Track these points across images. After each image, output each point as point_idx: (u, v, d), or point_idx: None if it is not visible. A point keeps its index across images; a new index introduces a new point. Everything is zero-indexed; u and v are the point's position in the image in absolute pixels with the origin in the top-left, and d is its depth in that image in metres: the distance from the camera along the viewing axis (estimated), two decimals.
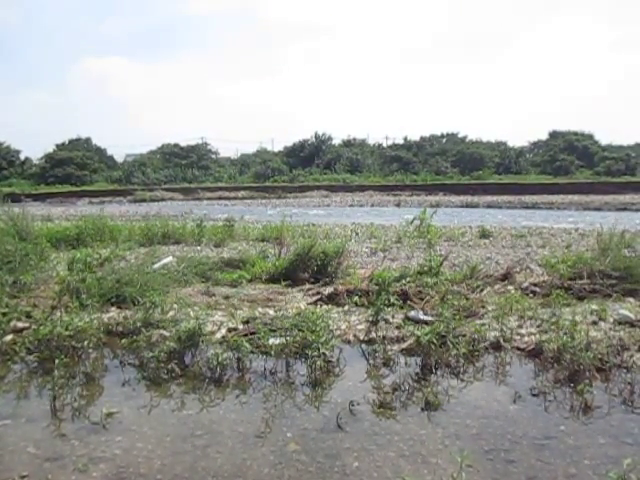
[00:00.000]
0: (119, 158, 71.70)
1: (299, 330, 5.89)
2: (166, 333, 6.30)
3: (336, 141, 79.15)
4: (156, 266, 9.36)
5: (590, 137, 70.87)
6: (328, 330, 6.04)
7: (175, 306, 7.20)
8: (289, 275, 9.25)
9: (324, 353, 5.49)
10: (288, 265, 9.44)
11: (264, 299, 8.18)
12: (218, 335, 6.37)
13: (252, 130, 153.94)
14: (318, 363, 5.39)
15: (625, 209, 35.67)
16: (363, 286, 7.94)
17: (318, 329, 5.83)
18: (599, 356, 5.40)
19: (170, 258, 10.29)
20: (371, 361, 5.91)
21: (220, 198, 50.62)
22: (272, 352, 5.73)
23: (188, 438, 4.27)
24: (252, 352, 5.73)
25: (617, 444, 4.08)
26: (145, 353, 5.70)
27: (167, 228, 14.69)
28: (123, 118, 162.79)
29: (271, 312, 7.24)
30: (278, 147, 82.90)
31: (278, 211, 33.33)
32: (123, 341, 6.06)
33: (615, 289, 8.10)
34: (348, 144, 79.30)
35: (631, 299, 7.91)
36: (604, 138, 75.95)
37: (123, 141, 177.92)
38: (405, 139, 78.78)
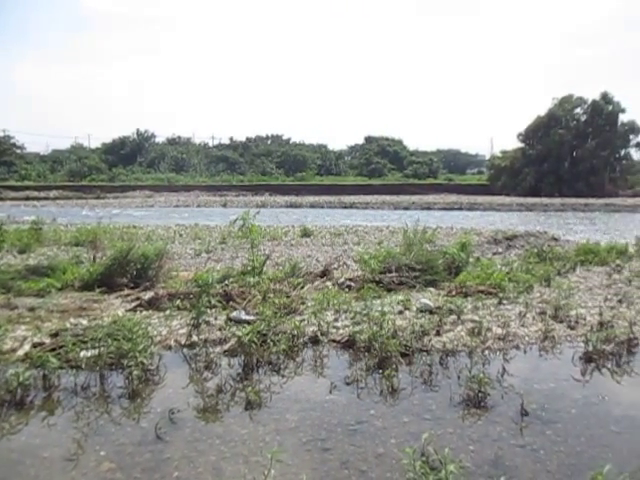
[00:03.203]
0: None
1: (114, 339, 5.55)
2: None
3: (160, 139, 76.38)
4: None
5: (400, 142, 77.85)
6: (147, 337, 5.79)
7: None
8: (106, 281, 8.67)
9: (142, 362, 5.24)
10: (104, 270, 8.85)
11: (77, 308, 7.57)
12: (20, 352, 5.74)
13: (66, 124, 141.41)
14: (135, 373, 5.13)
15: (429, 208, 39.83)
16: (185, 289, 7.76)
17: (135, 337, 5.55)
18: (404, 342, 5.95)
19: None
20: (193, 365, 5.80)
21: (27, 198, 45.51)
22: (84, 365, 5.32)
23: None
24: (61, 367, 5.25)
25: (418, 421, 4.52)
26: None
27: None
28: None
29: (84, 322, 6.74)
30: (96, 143, 77.44)
31: (96, 212, 31.09)
32: None
33: (418, 280, 9.01)
34: (173, 142, 76.99)
35: (432, 289, 8.86)
36: (412, 144, 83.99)
37: None
38: (231, 139, 78.94)
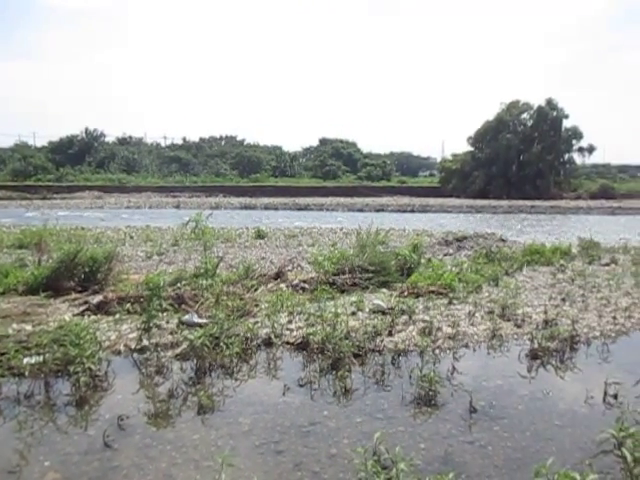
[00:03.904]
0: None
1: (61, 345, 5.37)
2: None
3: (110, 138, 74.38)
4: None
5: (354, 145, 78.50)
6: (95, 342, 5.62)
7: None
8: (52, 285, 8.37)
9: (90, 368, 5.10)
10: (50, 274, 8.54)
11: (20, 313, 7.27)
12: None
13: (8, 121, 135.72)
14: (83, 379, 4.97)
15: (382, 210, 40.34)
16: (136, 292, 7.58)
17: (83, 342, 5.37)
18: (357, 343, 6.01)
19: None
20: (144, 370, 5.67)
21: None
22: (27, 373, 5.12)
23: None
24: (2, 376, 5.05)
25: (371, 421, 4.57)
26: None
27: None
28: None
29: (28, 327, 6.48)
30: (42, 142, 74.73)
31: (42, 213, 29.99)
32: None
33: (371, 281, 9.11)
34: (123, 142, 75.16)
35: (384, 290, 8.97)
36: (365, 146, 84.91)
37: None
38: (184, 140, 77.77)
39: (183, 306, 7.22)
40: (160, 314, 6.47)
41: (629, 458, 3.08)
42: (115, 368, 5.54)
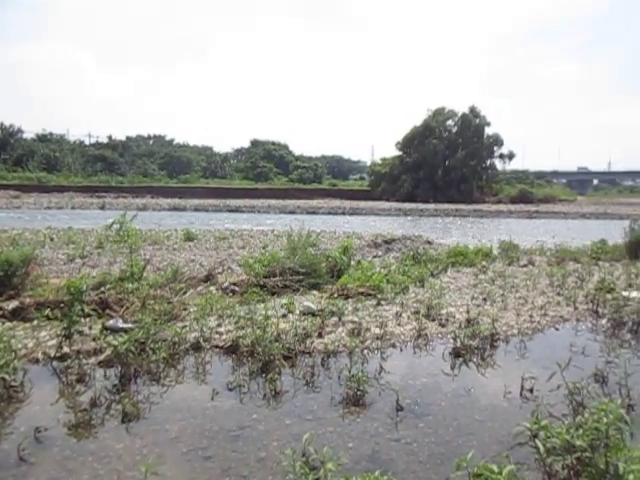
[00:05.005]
0: None
1: None
2: None
3: (28, 135, 70.49)
4: None
5: (286, 147, 78.62)
6: (9, 350, 5.31)
7: None
8: None
9: (3, 378, 4.81)
10: None
11: None
12: None
13: None
14: None
15: (314, 212, 40.62)
16: (56, 297, 7.23)
17: None
18: (287, 345, 6.02)
19: None
20: (64, 379, 5.42)
21: None
22: None
23: None
24: None
25: (300, 422, 4.59)
26: None
27: None
28: None
29: None
30: None
31: None
32: None
33: (302, 284, 9.15)
34: (44, 139, 71.49)
35: (315, 292, 9.04)
36: (297, 149, 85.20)
37: None
38: (110, 138, 74.93)
39: (107, 311, 6.96)
40: (82, 320, 6.21)
41: (542, 449, 3.27)
42: (32, 377, 5.25)
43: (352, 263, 11.04)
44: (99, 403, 4.84)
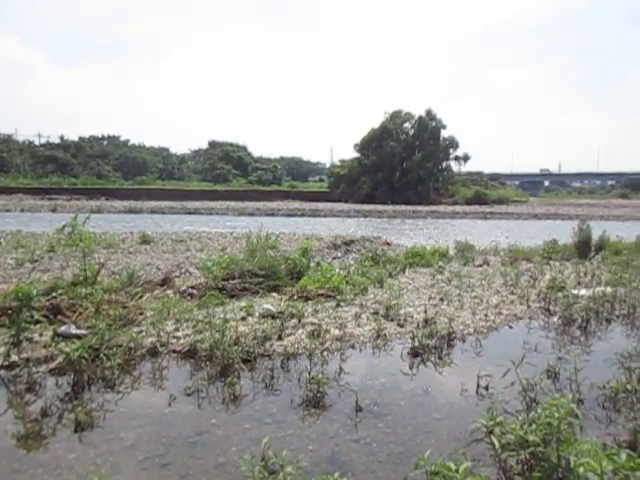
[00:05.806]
0: None
1: None
2: None
3: None
4: None
5: (244, 149, 78.11)
6: None
7: None
8: None
9: None
10: None
11: None
12: None
13: None
14: None
15: (273, 214, 40.50)
16: (3, 303, 6.94)
17: None
18: (246, 348, 5.96)
19: None
20: (12, 388, 5.21)
21: None
22: None
23: None
24: None
25: (259, 426, 4.55)
26: None
27: None
28: None
29: None
30: None
31: None
32: None
33: (262, 286, 9.09)
34: None
35: (274, 294, 9.00)
36: (256, 151, 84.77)
37: None
38: (62, 138, 72.71)
39: (59, 317, 6.74)
40: (32, 326, 5.99)
41: (497, 445, 3.33)
42: None
43: (312, 265, 11.05)
44: (50, 412, 4.68)
